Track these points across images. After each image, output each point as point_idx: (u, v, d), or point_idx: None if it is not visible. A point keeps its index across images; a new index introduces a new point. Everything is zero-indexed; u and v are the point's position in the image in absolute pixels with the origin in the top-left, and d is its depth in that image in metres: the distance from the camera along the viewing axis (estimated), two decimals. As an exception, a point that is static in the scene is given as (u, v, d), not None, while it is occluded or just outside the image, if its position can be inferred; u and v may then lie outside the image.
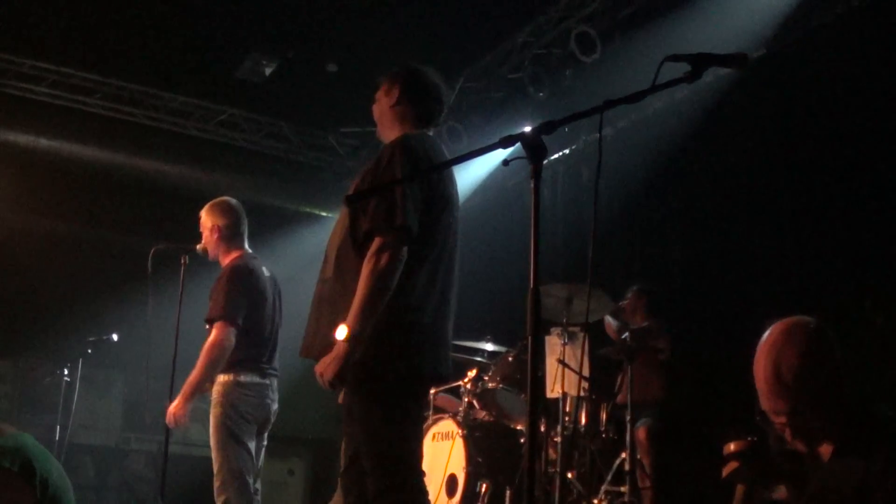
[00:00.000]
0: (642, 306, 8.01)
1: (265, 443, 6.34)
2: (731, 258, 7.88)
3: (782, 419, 3.11)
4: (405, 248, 3.91)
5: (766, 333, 3.25)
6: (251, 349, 6.16)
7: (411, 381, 4.10)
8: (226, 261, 6.40)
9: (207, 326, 6.17)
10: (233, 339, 6.03)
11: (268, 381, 6.19)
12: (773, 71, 7.69)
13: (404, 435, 4.03)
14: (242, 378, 6.08)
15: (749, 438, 3.14)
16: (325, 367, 3.85)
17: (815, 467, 3.12)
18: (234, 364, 6.08)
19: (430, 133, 4.52)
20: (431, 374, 4.19)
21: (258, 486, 6.28)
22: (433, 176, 4.15)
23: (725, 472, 3.17)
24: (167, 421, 6.16)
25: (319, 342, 3.95)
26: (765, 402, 3.15)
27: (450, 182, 4.30)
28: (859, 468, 2.93)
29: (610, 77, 8.46)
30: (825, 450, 3.12)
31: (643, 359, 7.61)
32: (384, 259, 3.86)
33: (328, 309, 4.04)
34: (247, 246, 6.48)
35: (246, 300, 6.14)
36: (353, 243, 4.04)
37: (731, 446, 3.13)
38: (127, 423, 11.64)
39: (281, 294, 6.50)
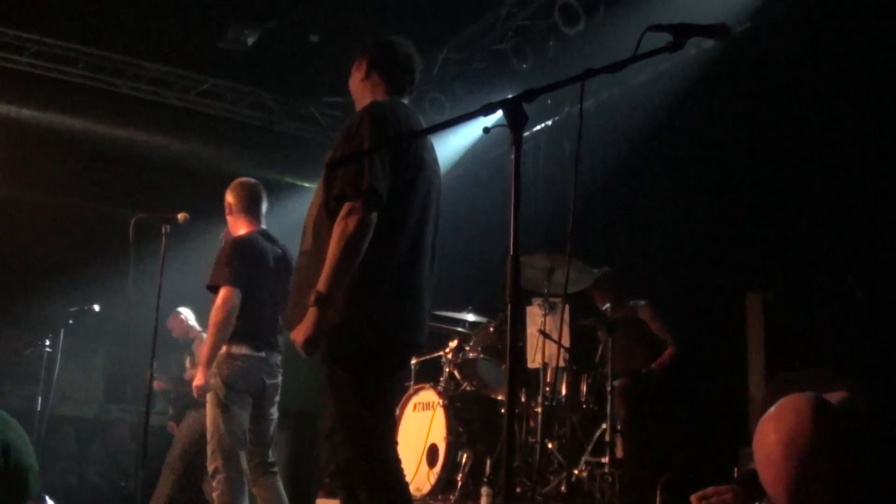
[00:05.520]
0: (616, 297, 7.98)
1: (274, 416, 6.48)
2: (713, 231, 7.88)
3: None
4: (374, 213, 3.94)
5: (764, 423, 2.95)
6: (247, 322, 6.27)
7: (387, 350, 4.13)
8: (235, 234, 6.60)
9: (212, 295, 6.29)
10: (236, 301, 6.16)
11: (262, 355, 6.30)
12: (757, 45, 7.69)
13: (375, 404, 4.06)
14: (234, 350, 6.20)
15: (731, 488, 3.05)
16: (297, 332, 3.90)
17: None
18: (229, 335, 6.21)
19: (405, 101, 4.54)
20: (409, 343, 4.25)
21: (272, 457, 6.46)
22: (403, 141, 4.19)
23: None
24: (194, 395, 6.33)
25: (300, 313, 3.96)
26: (771, 485, 2.91)
27: (423, 147, 4.34)
28: None
29: (593, 49, 8.43)
30: None
31: (627, 331, 7.63)
32: (352, 223, 3.89)
33: (307, 279, 4.05)
34: (262, 225, 6.64)
35: (246, 270, 6.26)
36: (327, 212, 4.06)
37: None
38: (108, 393, 11.65)
39: (290, 272, 6.53)
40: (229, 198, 6.65)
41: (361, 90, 4.56)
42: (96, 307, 9.81)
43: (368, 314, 4.02)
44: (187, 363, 9.65)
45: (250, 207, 6.63)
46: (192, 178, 11.40)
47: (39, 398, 9.92)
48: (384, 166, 4.01)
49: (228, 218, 6.67)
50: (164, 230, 6.44)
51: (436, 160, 4.50)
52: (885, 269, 6.48)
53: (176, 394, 9.82)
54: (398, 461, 4.14)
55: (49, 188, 11.35)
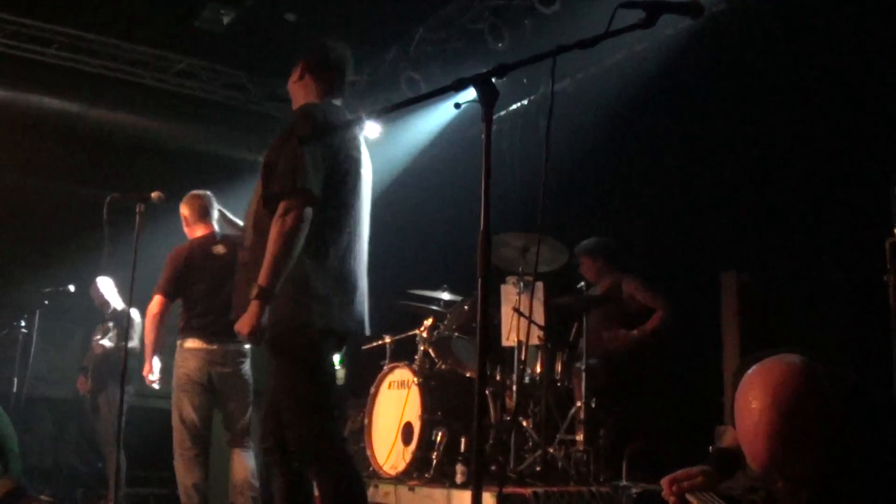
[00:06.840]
0: (604, 266, 8.00)
1: (242, 398, 6.97)
2: (689, 210, 7.90)
3: (766, 468, 2.70)
4: (309, 210, 4.22)
5: (750, 377, 2.72)
6: (194, 318, 6.83)
7: (325, 340, 4.42)
8: None
9: None
10: (159, 308, 6.83)
11: (214, 347, 6.78)
12: (733, 25, 7.70)
13: (320, 387, 4.40)
14: (185, 344, 6.81)
15: (701, 470, 3.03)
16: (241, 324, 4.18)
17: None
18: (181, 331, 6.86)
19: (338, 102, 4.81)
20: (346, 331, 4.54)
21: (242, 435, 6.99)
22: (334, 139, 4.45)
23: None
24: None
25: (244, 305, 4.23)
26: (750, 446, 2.69)
27: (353, 146, 4.60)
28: None
29: (570, 28, 8.41)
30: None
31: (603, 309, 7.65)
32: (289, 220, 4.17)
33: (250, 274, 4.30)
34: (213, 227, 7.16)
35: (174, 277, 6.89)
36: (266, 209, 4.32)
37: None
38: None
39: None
40: (184, 211, 7.19)
41: (296, 91, 4.86)
42: (71, 288, 9.80)
43: (309, 308, 4.30)
44: (98, 336, 9.66)
45: (202, 217, 7.16)
46: (167, 158, 11.36)
47: (15, 380, 9.91)
48: (317, 165, 4.28)
49: (186, 230, 7.19)
50: (138, 210, 6.47)
51: (367, 157, 4.77)
52: (861, 250, 6.51)
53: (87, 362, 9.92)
54: (344, 437, 4.56)
55: (23, 169, 11.26)
